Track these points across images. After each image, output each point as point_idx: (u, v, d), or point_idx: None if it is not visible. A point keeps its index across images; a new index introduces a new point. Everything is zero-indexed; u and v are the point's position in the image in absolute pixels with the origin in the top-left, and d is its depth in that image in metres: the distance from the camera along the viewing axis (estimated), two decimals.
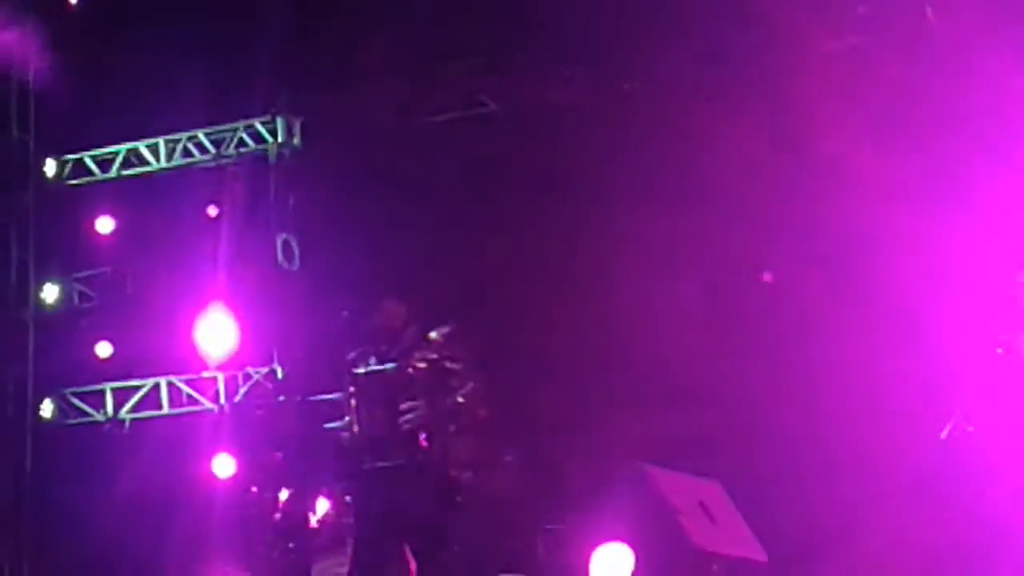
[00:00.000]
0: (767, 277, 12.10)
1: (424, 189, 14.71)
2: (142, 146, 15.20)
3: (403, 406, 8.03)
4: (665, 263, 12.53)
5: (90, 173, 15.33)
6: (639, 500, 9.96)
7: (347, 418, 8.21)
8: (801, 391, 11.86)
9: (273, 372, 14.26)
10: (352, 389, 8.22)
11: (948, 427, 9.60)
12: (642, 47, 13.12)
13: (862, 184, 11.70)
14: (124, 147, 15.22)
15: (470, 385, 8.24)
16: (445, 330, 8.41)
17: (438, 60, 14.54)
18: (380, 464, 8.06)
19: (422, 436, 7.97)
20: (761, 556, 10.75)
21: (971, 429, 10.84)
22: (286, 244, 14.82)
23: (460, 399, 8.16)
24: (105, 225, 15.11)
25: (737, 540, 10.64)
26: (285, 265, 14.78)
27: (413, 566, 9.15)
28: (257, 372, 14.50)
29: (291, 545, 9.71)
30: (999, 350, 10.34)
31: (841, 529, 12.13)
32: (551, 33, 13.26)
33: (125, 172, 15.24)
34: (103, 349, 14.96)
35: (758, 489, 11.35)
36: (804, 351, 11.99)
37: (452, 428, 8.35)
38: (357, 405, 8.13)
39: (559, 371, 13.73)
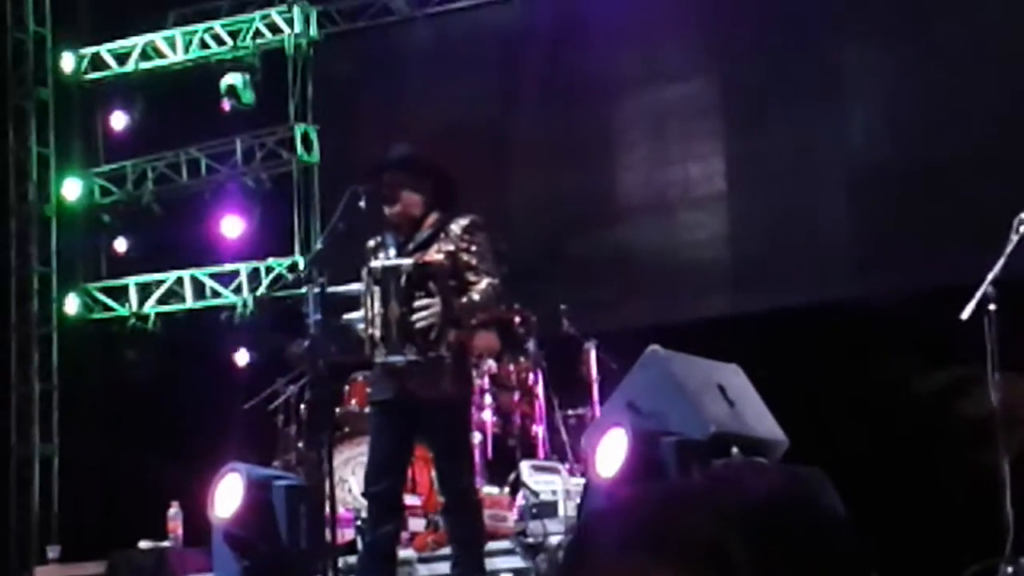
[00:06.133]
0: None
1: (444, 74, 14.65)
2: (159, 38, 15.15)
3: (417, 303, 7.95)
4: None
5: (107, 67, 15.32)
6: (654, 383, 9.94)
7: (363, 311, 8.15)
8: None
9: (294, 264, 14.34)
10: (369, 281, 8.14)
11: None
12: None
13: None
14: (142, 40, 15.19)
15: (485, 281, 8.12)
16: (465, 221, 8.26)
17: None
18: (392, 359, 8.01)
19: (433, 333, 7.89)
20: (781, 438, 10.76)
21: None
22: (305, 136, 14.82)
23: (476, 296, 8.07)
24: (122, 120, 15.13)
25: (757, 422, 10.64)
26: (305, 156, 14.79)
27: (426, 453, 9.19)
28: (279, 263, 14.58)
29: (317, 435, 9.79)
30: None
31: None
32: None
33: (143, 66, 15.21)
34: (122, 244, 15.08)
35: None
36: None
37: (468, 323, 8.28)
38: (372, 298, 8.07)
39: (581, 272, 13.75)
